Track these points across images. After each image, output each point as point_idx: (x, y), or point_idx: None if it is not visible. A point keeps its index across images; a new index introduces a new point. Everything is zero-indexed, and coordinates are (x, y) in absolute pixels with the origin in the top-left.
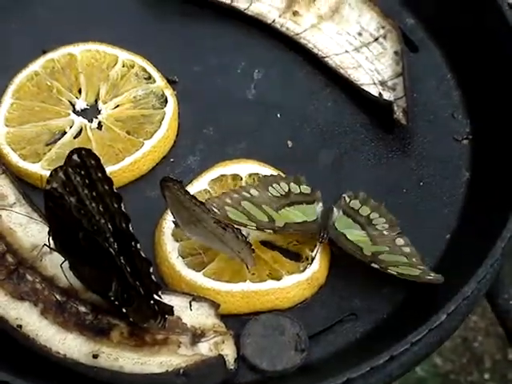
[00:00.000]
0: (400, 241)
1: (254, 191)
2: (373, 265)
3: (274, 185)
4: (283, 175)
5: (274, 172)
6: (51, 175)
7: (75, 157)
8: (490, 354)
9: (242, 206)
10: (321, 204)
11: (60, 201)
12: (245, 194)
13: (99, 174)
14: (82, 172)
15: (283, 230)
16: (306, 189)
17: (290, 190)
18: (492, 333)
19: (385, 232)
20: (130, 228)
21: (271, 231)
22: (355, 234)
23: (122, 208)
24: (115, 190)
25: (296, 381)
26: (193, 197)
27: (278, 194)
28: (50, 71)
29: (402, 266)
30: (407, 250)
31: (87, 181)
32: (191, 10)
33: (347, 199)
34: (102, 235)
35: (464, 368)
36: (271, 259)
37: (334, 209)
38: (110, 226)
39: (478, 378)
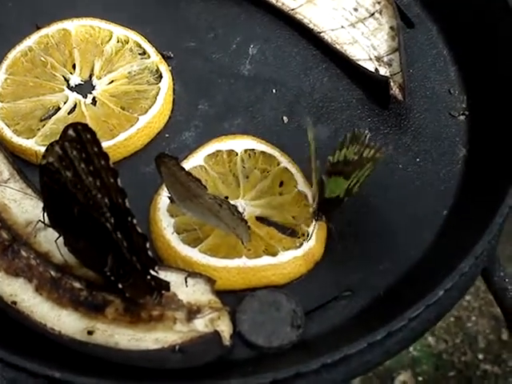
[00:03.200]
0: (366, 151)
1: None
2: (345, 200)
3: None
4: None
5: (270, 147)
6: (47, 150)
7: (71, 131)
8: (484, 334)
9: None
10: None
11: (56, 175)
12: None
13: (95, 149)
14: (78, 146)
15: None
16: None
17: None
18: (486, 313)
19: (356, 157)
20: (127, 203)
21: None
22: (336, 187)
23: (118, 183)
24: (111, 165)
25: (292, 357)
26: (188, 173)
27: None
28: (44, 47)
29: (362, 175)
30: (371, 153)
31: (84, 155)
32: None
33: (330, 159)
34: (98, 210)
35: (458, 348)
36: (267, 235)
37: (324, 178)
38: (106, 201)
39: (472, 358)
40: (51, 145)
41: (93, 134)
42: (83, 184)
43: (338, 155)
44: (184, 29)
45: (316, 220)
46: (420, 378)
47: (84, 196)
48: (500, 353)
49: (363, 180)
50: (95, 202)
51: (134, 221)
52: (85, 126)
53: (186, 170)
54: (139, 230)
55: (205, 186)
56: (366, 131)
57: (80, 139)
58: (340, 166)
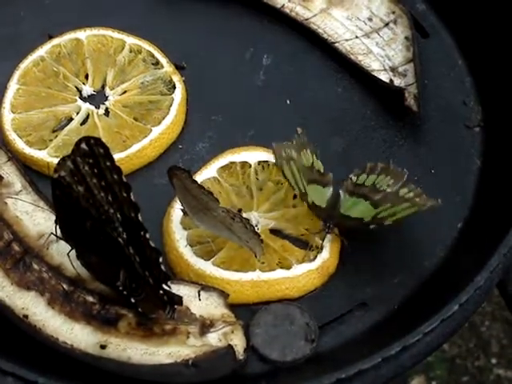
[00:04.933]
0: (404, 190)
1: (295, 153)
2: (371, 227)
3: (304, 150)
4: (306, 141)
5: None
6: (59, 164)
7: (83, 145)
8: (497, 339)
9: (290, 165)
10: (331, 189)
11: (68, 190)
12: (291, 153)
13: (108, 163)
14: (91, 161)
15: (311, 208)
16: (320, 166)
17: (313, 163)
18: (499, 317)
19: (388, 190)
20: (139, 217)
21: (306, 204)
22: (358, 210)
23: (131, 197)
24: (124, 180)
25: (306, 371)
26: (200, 186)
27: (306, 164)
28: (56, 57)
29: (400, 211)
30: (410, 194)
31: (96, 170)
32: None
33: (353, 178)
34: (110, 224)
35: (471, 353)
36: (281, 248)
37: (341, 193)
38: (118, 216)
39: (485, 363)
40: (63, 159)
41: (105, 148)
42: (95, 199)
43: (364, 179)
44: (197, 39)
45: (327, 232)
46: (433, 383)
47: (96, 211)
48: None
49: (400, 217)
50: (107, 217)
51: (147, 235)
52: (97, 141)
53: (199, 181)
54: (152, 245)
55: (217, 199)
56: (405, 170)
57: (92, 153)
58: (366, 191)
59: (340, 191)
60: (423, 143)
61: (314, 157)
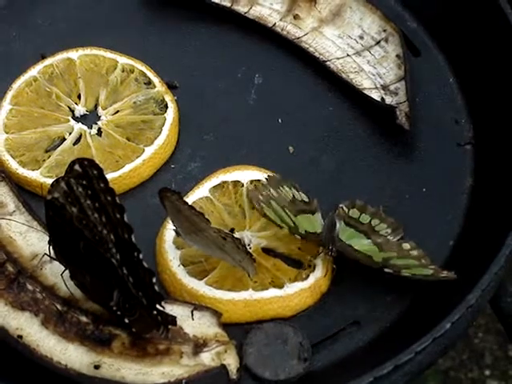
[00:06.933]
0: (406, 245)
1: (273, 191)
2: (385, 270)
3: (280, 188)
4: (281, 178)
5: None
6: (53, 185)
7: (77, 167)
8: (491, 351)
9: (272, 205)
10: (320, 214)
11: (61, 211)
12: (269, 192)
13: (101, 185)
14: (84, 182)
15: (306, 238)
16: (303, 196)
17: (294, 196)
18: (492, 329)
19: (389, 237)
20: (133, 239)
21: (299, 237)
22: (362, 244)
23: (125, 219)
24: (117, 201)
25: None
26: (191, 207)
27: (288, 198)
28: (48, 77)
29: (413, 267)
30: (415, 252)
31: (89, 191)
32: (191, 14)
33: (345, 209)
34: (104, 246)
35: (464, 365)
36: (273, 267)
37: (336, 220)
38: (112, 237)
39: (479, 375)
40: (57, 181)
41: (99, 169)
42: (89, 220)
43: (357, 214)
44: (189, 58)
45: (330, 255)
46: None
47: (90, 232)
48: (507, 369)
49: (416, 274)
50: (101, 238)
51: (141, 256)
52: (91, 162)
53: (192, 201)
54: (145, 266)
55: (208, 220)
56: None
57: (86, 175)
58: (364, 228)
59: (336, 218)
60: (415, 161)
61: (293, 189)
